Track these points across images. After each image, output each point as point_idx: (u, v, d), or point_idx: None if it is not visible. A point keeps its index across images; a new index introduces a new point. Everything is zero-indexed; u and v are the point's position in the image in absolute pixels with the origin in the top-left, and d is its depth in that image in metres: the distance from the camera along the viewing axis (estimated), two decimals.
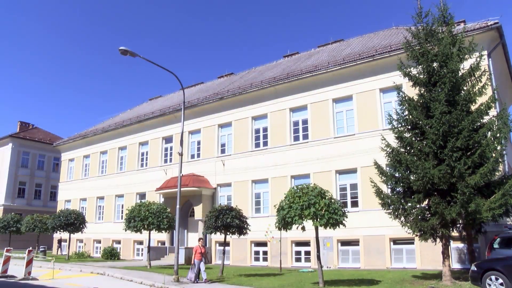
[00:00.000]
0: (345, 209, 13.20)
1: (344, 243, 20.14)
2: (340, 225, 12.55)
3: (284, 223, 12.70)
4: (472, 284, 11.09)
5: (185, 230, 26.77)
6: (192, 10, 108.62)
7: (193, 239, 26.12)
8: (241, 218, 17.32)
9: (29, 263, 16.01)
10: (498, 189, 12.35)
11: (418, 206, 13.21)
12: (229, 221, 16.64)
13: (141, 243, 28.81)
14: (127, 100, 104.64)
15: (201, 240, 15.41)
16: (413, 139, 13.59)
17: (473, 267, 11.01)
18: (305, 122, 22.86)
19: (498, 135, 12.60)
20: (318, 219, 12.20)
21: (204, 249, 15.05)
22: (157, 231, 20.45)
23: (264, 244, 22.53)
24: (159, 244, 27.54)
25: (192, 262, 14.49)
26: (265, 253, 22.79)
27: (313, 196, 12.33)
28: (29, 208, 43.76)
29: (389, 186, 14.43)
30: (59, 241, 34.31)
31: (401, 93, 14.21)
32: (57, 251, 34.69)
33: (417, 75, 14.00)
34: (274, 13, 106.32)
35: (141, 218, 19.63)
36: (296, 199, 12.50)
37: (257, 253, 23.20)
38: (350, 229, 15.36)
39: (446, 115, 12.35)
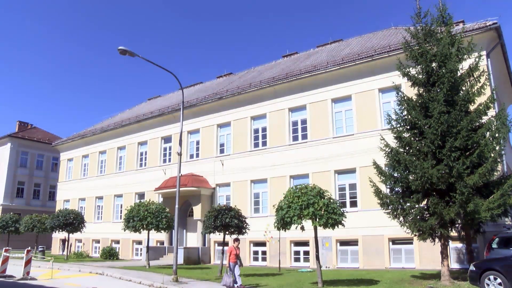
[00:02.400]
0: (344, 209, 13.22)
1: (343, 243, 20.14)
2: (339, 225, 12.54)
3: (283, 223, 12.69)
4: (471, 284, 11.10)
5: (184, 230, 26.75)
6: (191, 10, 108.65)
7: (192, 239, 26.13)
8: (240, 218, 17.34)
9: (28, 263, 15.97)
10: (497, 189, 12.35)
11: (417, 206, 13.20)
12: (228, 221, 16.66)
13: (140, 243, 28.79)
14: (126, 100, 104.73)
15: (237, 242, 13.26)
16: (412, 139, 13.58)
17: (472, 267, 11.02)
18: (304, 122, 22.86)
19: (496, 135, 12.59)
20: (317, 219, 12.19)
21: (239, 251, 13.23)
22: (156, 231, 20.41)
23: (263, 244, 22.52)
24: (158, 244, 27.51)
25: (227, 265, 12.71)
26: (264, 253, 22.78)
27: (312, 196, 12.32)
28: (27, 208, 43.69)
29: (388, 186, 14.42)
30: (63, 241, 34.10)
31: (400, 93, 14.20)
32: (66, 251, 34.45)
33: (416, 75, 13.99)
34: (273, 13, 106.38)
35: (140, 218, 19.60)
36: (295, 199, 12.48)
37: (256, 253, 23.19)
38: (349, 229, 15.35)
39: (445, 115, 12.34)
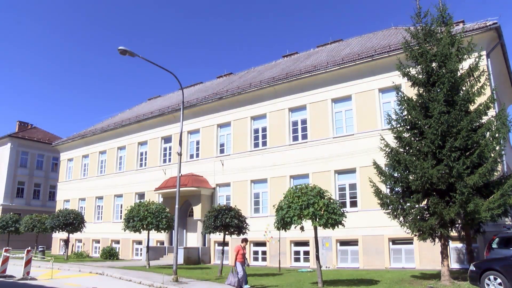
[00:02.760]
0: (344, 209, 13.20)
1: (343, 243, 20.14)
2: (339, 225, 12.54)
3: (283, 223, 12.68)
4: (471, 284, 11.10)
5: (184, 230, 26.75)
6: (191, 10, 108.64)
7: (192, 239, 26.13)
8: (240, 218, 17.34)
9: (28, 263, 15.97)
10: (497, 189, 12.35)
11: (417, 206, 13.19)
12: (228, 221, 16.65)
13: (140, 243, 28.78)
14: (126, 100, 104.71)
15: (244, 242, 13.14)
16: (412, 139, 13.59)
17: (472, 267, 11.02)
18: (304, 122, 22.85)
19: (496, 135, 12.59)
20: (317, 219, 12.19)
21: (245, 251, 13.02)
22: (156, 231, 20.41)
23: (263, 244, 22.52)
24: (158, 244, 27.51)
25: (234, 264, 12.53)
26: (264, 253, 22.78)
27: (312, 196, 12.32)
28: (28, 208, 43.73)
29: (388, 186, 14.42)
30: (65, 241, 33.99)
31: (400, 93, 14.20)
32: (67, 251, 34.39)
33: (416, 75, 13.99)
34: (273, 13, 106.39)
35: (140, 218, 19.59)
36: (295, 199, 12.48)
37: (256, 253, 23.19)
38: (349, 229, 15.35)
39: (445, 115, 12.35)
